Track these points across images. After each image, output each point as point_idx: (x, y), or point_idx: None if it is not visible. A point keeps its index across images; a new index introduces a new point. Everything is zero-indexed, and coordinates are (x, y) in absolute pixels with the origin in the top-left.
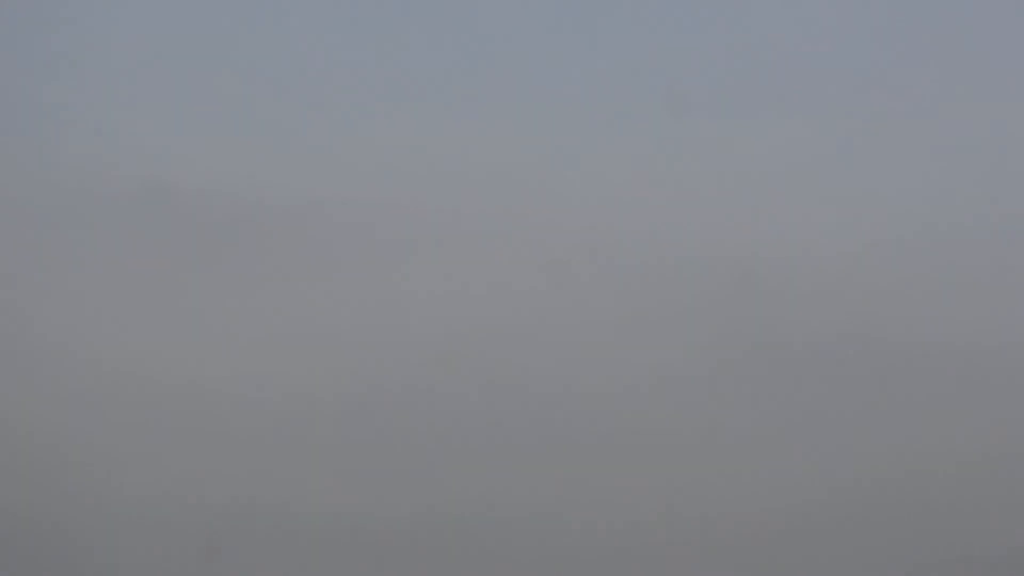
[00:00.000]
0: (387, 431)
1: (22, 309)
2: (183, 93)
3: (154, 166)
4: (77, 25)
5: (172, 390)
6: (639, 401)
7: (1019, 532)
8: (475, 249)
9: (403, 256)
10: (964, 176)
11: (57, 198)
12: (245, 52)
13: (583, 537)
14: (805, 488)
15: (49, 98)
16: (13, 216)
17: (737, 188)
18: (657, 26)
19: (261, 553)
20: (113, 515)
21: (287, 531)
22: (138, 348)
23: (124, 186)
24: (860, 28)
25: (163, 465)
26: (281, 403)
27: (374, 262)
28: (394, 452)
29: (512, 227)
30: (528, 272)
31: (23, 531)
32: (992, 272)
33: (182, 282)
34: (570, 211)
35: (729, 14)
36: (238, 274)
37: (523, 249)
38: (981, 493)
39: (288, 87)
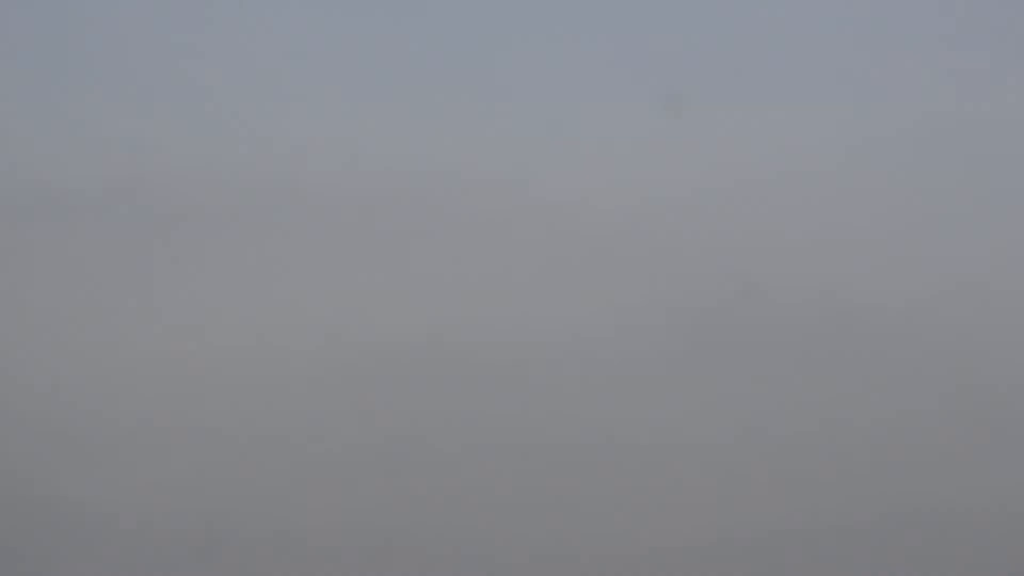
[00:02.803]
0: (374, 426)
1: None
2: (150, 82)
3: (119, 156)
4: (37, 14)
5: (149, 386)
6: (625, 395)
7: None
8: (462, 241)
9: (381, 250)
10: (961, 173)
11: (17, 191)
12: (213, 40)
13: (570, 536)
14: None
15: (8, 90)
16: None
17: (730, 183)
18: (655, 22)
19: (249, 554)
20: (99, 517)
21: (274, 530)
22: (109, 343)
23: (88, 178)
24: (858, 27)
25: (144, 464)
26: (262, 398)
27: (352, 255)
28: (382, 448)
29: (498, 220)
30: (515, 266)
31: (13, 532)
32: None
33: (154, 275)
34: (560, 203)
35: (727, 11)
36: (214, 267)
37: (511, 242)
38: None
39: (261, 76)
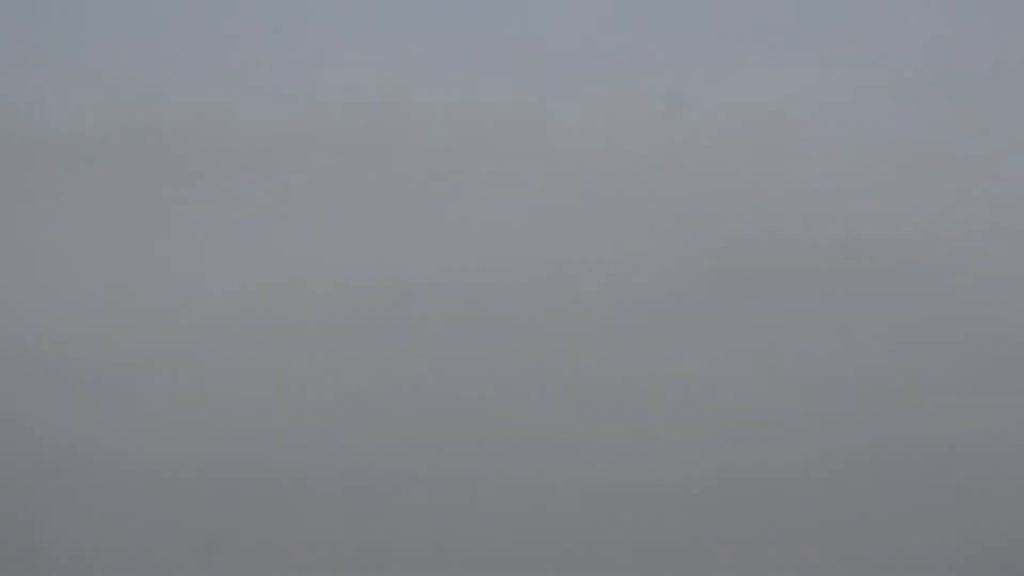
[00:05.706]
0: (386, 370)
1: None
2: (162, 29)
3: (131, 103)
4: None
5: (153, 342)
6: (641, 335)
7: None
8: (462, 192)
9: (395, 193)
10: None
11: (30, 138)
12: None
13: (568, 480)
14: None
15: (20, 36)
16: None
17: (744, 125)
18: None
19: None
20: (99, 500)
21: (272, 476)
22: (118, 294)
23: (100, 124)
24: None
25: (147, 409)
26: (272, 342)
27: (360, 204)
28: (391, 392)
29: (511, 162)
30: (529, 208)
31: (10, 526)
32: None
33: (163, 222)
34: (575, 146)
35: None
36: (222, 215)
37: (525, 184)
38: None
39: (269, 21)
